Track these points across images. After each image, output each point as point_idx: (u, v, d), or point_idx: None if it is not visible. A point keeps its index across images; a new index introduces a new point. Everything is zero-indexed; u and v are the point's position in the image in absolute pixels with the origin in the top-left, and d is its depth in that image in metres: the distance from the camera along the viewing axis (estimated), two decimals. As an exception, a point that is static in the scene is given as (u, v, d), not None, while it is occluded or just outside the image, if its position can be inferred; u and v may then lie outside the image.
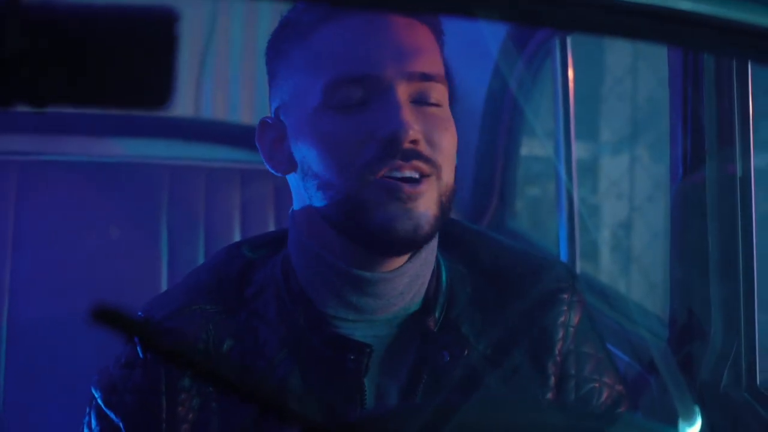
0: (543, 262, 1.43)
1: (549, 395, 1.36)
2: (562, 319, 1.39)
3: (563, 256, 2.23)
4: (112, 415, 1.34)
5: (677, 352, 1.64)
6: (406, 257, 1.33)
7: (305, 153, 1.31)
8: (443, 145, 1.30)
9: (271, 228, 2.17)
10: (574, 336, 1.39)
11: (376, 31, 1.30)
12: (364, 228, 1.28)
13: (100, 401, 1.35)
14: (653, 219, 4.24)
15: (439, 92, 1.31)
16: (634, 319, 1.92)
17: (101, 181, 2.14)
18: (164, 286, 2.09)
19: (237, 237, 2.15)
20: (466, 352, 1.35)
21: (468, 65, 2.30)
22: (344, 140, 1.28)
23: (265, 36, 1.40)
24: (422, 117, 1.29)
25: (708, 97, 1.57)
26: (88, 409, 1.37)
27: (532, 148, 3.34)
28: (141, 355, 1.33)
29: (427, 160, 1.28)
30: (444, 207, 1.30)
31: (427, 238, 1.30)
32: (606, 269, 4.23)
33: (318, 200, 1.31)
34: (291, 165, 1.35)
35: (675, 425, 1.39)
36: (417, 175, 1.28)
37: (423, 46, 1.31)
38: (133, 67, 0.71)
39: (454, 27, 1.35)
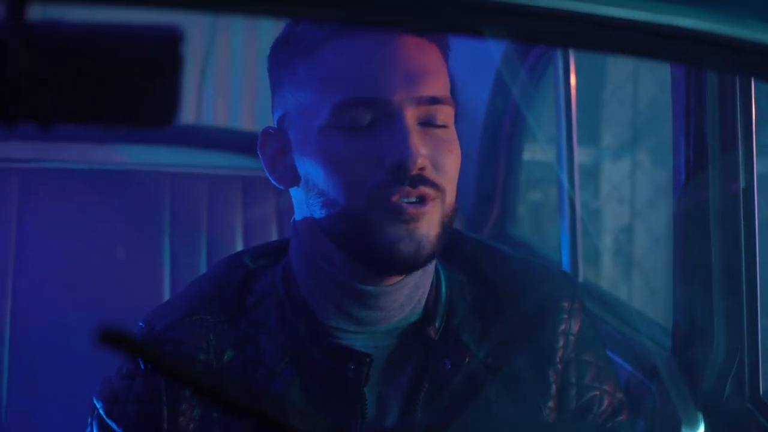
0: (543, 271, 1.44)
1: (550, 403, 1.36)
2: (562, 327, 1.39)
3: (565, 261, 2.23)
4: (114, 426, 1.34)
5: (680, 361, 1.64)
6: None
7: (310, 170, 1.31)
8: (447, 168, 1.30)
9: (274, 234, 2.17)
10: (574, 344, 1.39)
11: (385, 52, 1.29)
12: (367, 248, 1.28)
13: (102, 411, 1.35)
14: (655, 224, 4.23)
15: (446, 114, 1.31)
16: (636, 328, 1.92)
17: (103, 188, 2.14)
18: (167, 293, 2.09)
19: (239, 243, 2.15)
20: (467, 360, 1.34)
21: (470, 73, 2.30)
22: (352, 161, 1.28)
23: (267, 42, 1.40)
24: (429, 140, 1.29)
25: (711, 104, 1.57)
26: (90, 420, 1.37)
27: (534, 153, 3.34)
28: (142, 366, 1.33)
29: (432, 184, 1.28)
30: (446, 227, 1.31)
31: (429, 259, 1.31)
32: (607, 274, 4.22)
33: (322, 216, 1.31)
34: (294, 179, 1.35)
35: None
36: (422, 199, 1.28)
37: (431, 68, 1.31)
38: (138, 86, 0.71)
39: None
